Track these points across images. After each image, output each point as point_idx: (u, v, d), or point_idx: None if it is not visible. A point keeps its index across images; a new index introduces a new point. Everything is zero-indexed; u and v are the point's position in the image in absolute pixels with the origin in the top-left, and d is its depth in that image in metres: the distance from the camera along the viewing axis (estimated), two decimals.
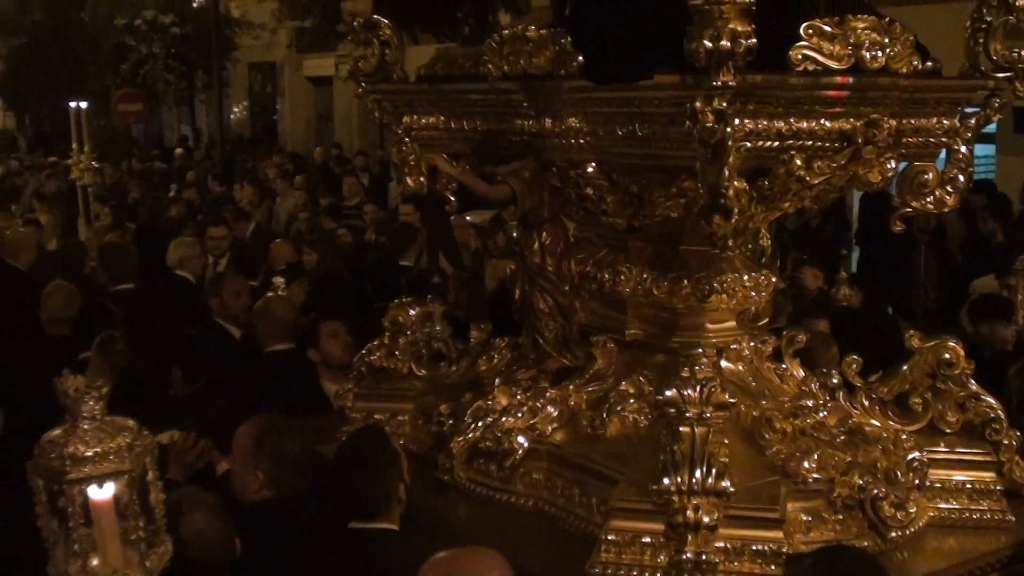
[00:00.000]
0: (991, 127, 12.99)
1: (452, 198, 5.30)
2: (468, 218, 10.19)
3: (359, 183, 17.23)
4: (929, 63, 4.38)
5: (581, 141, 4.51)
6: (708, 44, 3.62)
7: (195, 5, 31.99)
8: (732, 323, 4.80)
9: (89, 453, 2.86)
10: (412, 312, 5.57)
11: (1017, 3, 4.44)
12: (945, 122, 4.50)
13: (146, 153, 29.06)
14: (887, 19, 4.28)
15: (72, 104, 17.08)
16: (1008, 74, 4.48)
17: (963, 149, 4.58)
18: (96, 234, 14.65)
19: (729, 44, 3.61)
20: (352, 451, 4.45)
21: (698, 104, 3.74)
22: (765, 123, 3.99)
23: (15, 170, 27.00)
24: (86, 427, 2.91)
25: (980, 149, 17.17)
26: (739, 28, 3.63)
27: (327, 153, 25.17)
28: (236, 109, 38.85)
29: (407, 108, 5.23)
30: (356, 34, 5.20)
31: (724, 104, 3.72)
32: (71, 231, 16.60)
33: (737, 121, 3.85)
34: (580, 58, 4.33)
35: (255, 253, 11.14)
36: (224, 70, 30.01)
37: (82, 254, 12.42)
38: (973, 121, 4.56)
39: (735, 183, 3.88)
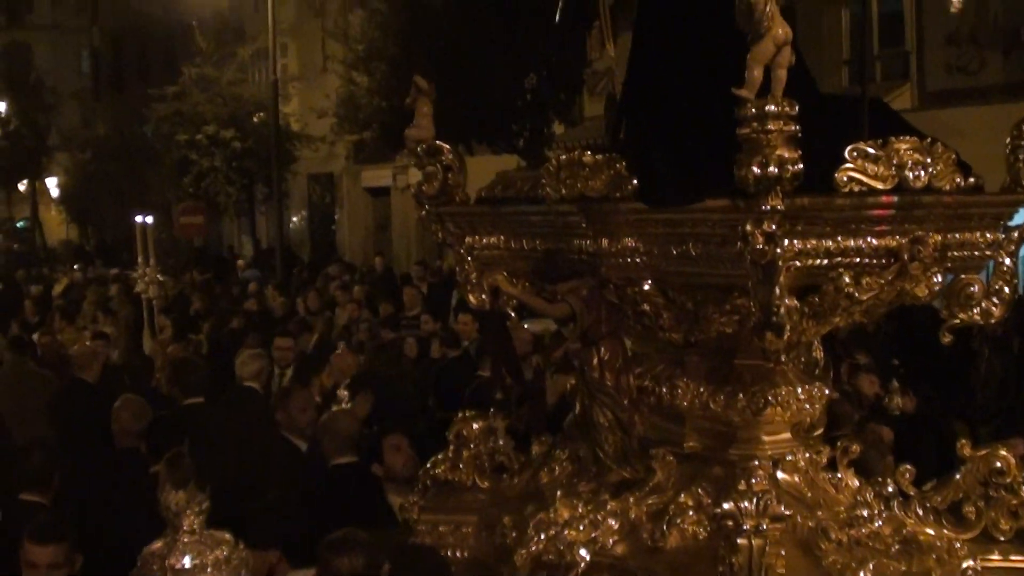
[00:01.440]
0: None
1: (513, 314, 5.47)
2: (526, 325, 10.35)
3: (418, 293, 17.48)
4: (971, 179, 4.53)
5: (637, 260, 4.67)
6: (757, 170, 3.80)
7: (255, 120, 32.65)
8: (787, 435, 4.90)
9: (189, 565, 3.01)
10: (475, 426, 5.71)
11: None
12: (989, 236, 4.62)
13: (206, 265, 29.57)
14: (929, 139, 4.44)
15: (138, 218, 17.47)
16: None
17: (1007, 261, 4.68)
18: (160, 346, 14.95)
19: (777, 170, 3.79)
20: (404, 566, 4.57)
21: (749, 227, 3.91)
22: (814, 242, 4.15)
23: (80, 281, 27.53)
24: (186, 540, 3.07)
25: None
26: (786, 154, 3.81)
27: (386, 263, 25.51)
28: (295, 219, 39.45)
29: (469, 228, 5.42)
30: (420, 159, 5.42)
31: (773, 226, 3.89)
32: (136, 343, 16.91)
33: (787, 242, 4.01)
34: (635, 182, 4.52)
35: (319, 364, 11.35)
36: (284, 181, 30.57)
37: (149, 367, 12.69)
38: (1016, 234, 4.68)
39: (786, 301, 4.03)
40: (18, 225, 57.69)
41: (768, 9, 3.76)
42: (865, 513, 4.69)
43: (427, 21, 21.06)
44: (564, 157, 4.87)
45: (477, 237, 5.41)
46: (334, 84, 27.34)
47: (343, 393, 8.45)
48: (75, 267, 34.28)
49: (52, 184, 52.30)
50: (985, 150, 4.75)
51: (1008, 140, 4.65)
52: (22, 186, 54.29)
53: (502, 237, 5.32)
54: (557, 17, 5.70)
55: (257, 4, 34.81)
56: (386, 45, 22.24)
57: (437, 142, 5.39)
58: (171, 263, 28.49)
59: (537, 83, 21.06)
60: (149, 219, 17.40)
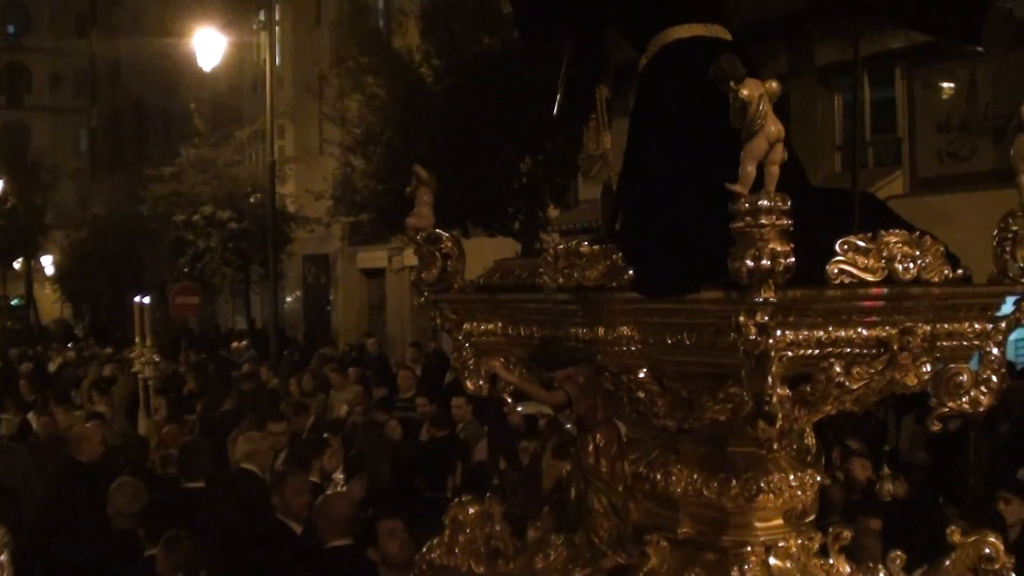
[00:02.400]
0: None
1: (510, 400, 5.55)
2: (519, 408, 10.43)
3: (413, 375, 17.55)
4: (960, 271, 4.64)
5: (633, 348, 4.75)
6: (750, 263, 3.90)
7: (252, 200, 32.87)
8: (780, 521, 4.96)
9: None
10: (471, 510, 5.77)
11: None
12: (977, 326, 4.70)
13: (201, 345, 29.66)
14: (918, 232, 4.55)
15: (136, 299, 17.59)
16: None
17: (995, 351, 4.76)
18: (155, 426, 15.00)
19: (769, 263, 3.89)
20: None
21: (742, 318, 4.00)
22: (805, 333, 4.24)
23: (73, 361, 27.59)
24: None
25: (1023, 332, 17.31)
26: (778, 248, 3.91)
27: (379, 344, 25.60)
28: (289, 299, 39.59)
29: (467, 315, 5.52)
30: (420, 247, 5.52)
31: (766, 318, 3.98)
32: (132, 423, 16.94)
33: (779, 333, 4.09)
34: (631, 272, 4.62)
35: (317, 447, 11.41)
36: (279, 262, 30.72)
37: (144, 448, 12.72)
38: (1004, 324, 4.77)
39: (778, 390, 4.11)
40: (12, 303, 57.84)
41: (761, 108, 3.89)
42: None
43: (424, 106, 21.30)
44: (562, 247, 4.98)
45: (475, 324, 5.50)
46: (331, 166, 27.58)
47: (338, 476, 8.50)
48: (68, 346, 34.33)
49: (47, 262, 52.53)
50: (977, 236, 4.86)
51: (995, 232, 4.75)
52: (17, 264, 54.50)
53: (500, 324, 5.41)
54: (555, 110, 5.82)
55: (255, 87, 35.20)
56: (383, 129, 22.47)
57: (437, 230, 5.50)
58: (166, 343, 28.54)
59: (533, 167, 21.26)
60: (147, 299, 17.51)
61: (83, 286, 47.43)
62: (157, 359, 17.38)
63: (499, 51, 21.03)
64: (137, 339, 16.96)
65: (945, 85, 19.30)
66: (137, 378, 16.78)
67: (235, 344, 28.57)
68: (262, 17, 38.40)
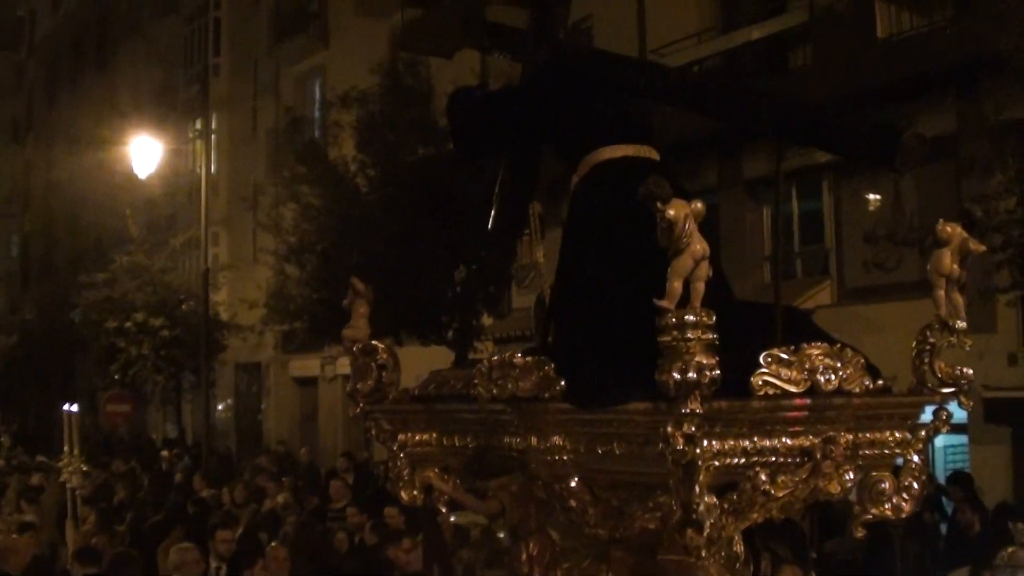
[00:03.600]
0: (963, 417, 13.43)
1: (444, 510, 5.63)
2: (452, 519, 10.46)
3: (345, 485, 17.49)
4: (880, 381, 4.81)
5: (565, 458, 4.86)
6: (677, 376, 4.05)
7: (185, 308, 32.76)
8: None
9: None
10: None
11: (957, 326, 4.87)
12: (898, 435, 4.87)
13: (130, 454, 29.30)
14: (839, 345, 4.72)
15: (66, 407, 17.42)
16: (952, 389, 4.89)
17: (916, 459, 4.93)
18: (83, 537, 14.79)
19: (696, 376, 4.05)
20: None
21: (670, 429, 4.14)
22: (732, 443, 4.38)
23: (2, 469, 27.17)
24: None
25: (954, 439, 17.64)
26: (704, 361, 4.07)
27: (311, 453, 25.47)
28: (221, 407, 39.28)
29: (402, 425, 5.61)
30: (356, 358, 5.62)
31: (693, 428, 4.13)
32: (60, 533, 16.70)
33: (706, 443, 4.23)
34: (563, 383, 4.75)
35: (248, 558, 11.34)
36: (211, 370, 30.54)
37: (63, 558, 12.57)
38: (924, 433, 4.93)
39: (706, 499, 4.25)
40: None
41: (687, 227, 4.06)
42: None
43: (359, 216, 21.45)
44: (496, 359, 5.11)
45: (410, 434, 5.60)
46: (264, 274, 27.57)
47: None
48: None
49: None
50: (905, 344, 5.03)
51: (914, 344, 4.93)
52: None
53: (435, 434, 5.51)
54: (490, 225, 5.98)
55: (191, 194, 35.25)
56: (318, 238, 22.57)
57: (373, 342, 5.61)
58: (96, 452, 28.21)
59: (467, 276, 21.41)
60: (75, 407, 17.35)
61: (11, 393, 46.86)
62: (86, 468, 17.18)
63: (434, 161, 21.28)
64: (66, 448, 16.77)
65: (871, 197, 19.73)
66: (65, 487, 16.56)
67: (166, 453, 28.29)
68: (198, 126, 38.63)
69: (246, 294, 29.31)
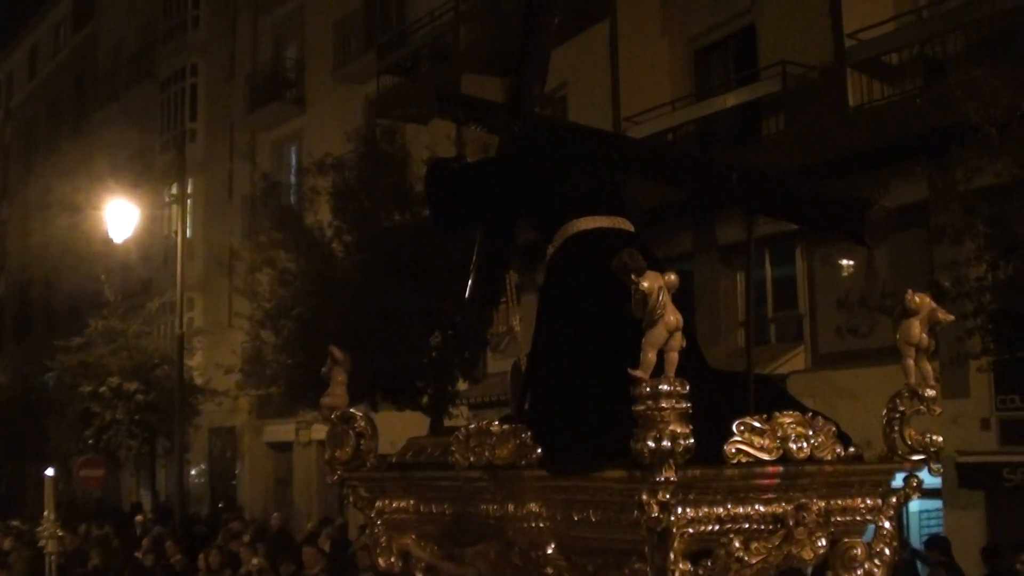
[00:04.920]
0: (937, 482, 13.50)
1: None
2: None
3: (319, 551, 17.43)
4: (851, 449, 4.89)
5: (541, 524, 4.90)
6: (651, 444, 4.12)
7: (159, 372, 32.66)
8: None
9: None
10: None
11: (926, 394, 4.96)
12: (869, 501, 4.94)
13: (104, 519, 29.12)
14: (810, 413, 4.81)
15: (48, 471, 17.36)
16: (922, 457, 4.97)
17: (887, 525, 5.00)
18: None
19: (670, 444, 4.11)
20: None
21: (644, 496, 4.20)
22: (705, 510, 4.43)
23: None
24: None
25: (928, 504, 17.72)
26: (678, 430, 4.14)
27: (284, 519, 25.35)
28: (194, 472, 39.09)
29: (379, 493, 5.67)
30: (334, 426, 5.68)
31: (668, 496, 4.19)
32: None
33: (680, 510, 4.29)
34: (539, 451, 4.82)
35: None
36: (185, 435, 30.40)
37: None
38: (895, 499, 5.01)
39: (680, 565, 4.30)
40: None
41: (661, 299, 4.15)
42: None
43: (335, 281, 21.50)
44: (473, 427, 5.18)
45: (387, 501, 5.65)
46: (239, 339, 27.54)
47: None
48: None
49: None
50: (877, 409, 5.11)
51: (884, 412, 5.01)
52: None
53: (412, 501, 5.56)
54: (467, 295, 6.07)
55: (166, 258, 35.25)
56: (294, 303, 22.58)
57: (351, 410, 5.67)
58: (68, 517, 28.01)
59: (442, 341, 21.44)
60: (50, 471, 17.29)
61: None
62: (61, 533, 17.11)
63: (410, 227, 21.39)
64: (46, 512, 16.71)
65: (844, 263, 19.88)
66: (37, 551, 16.49)
67: (139, 517, 28.10)
68: (174, 190, 38.69)
69: (221, 359, 29.26)
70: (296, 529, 26.51)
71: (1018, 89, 12.14)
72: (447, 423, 21.15)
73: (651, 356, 4.18)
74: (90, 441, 32.19)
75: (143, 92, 44.03)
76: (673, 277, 4.23)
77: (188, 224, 36.03)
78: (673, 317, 4.18)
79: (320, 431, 29.92)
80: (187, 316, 32.31)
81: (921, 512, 18.30)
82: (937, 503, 17.68)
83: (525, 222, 5.86)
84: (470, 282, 6.05)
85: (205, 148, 40.53)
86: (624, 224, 5.48)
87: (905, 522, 17.53)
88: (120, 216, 29.20)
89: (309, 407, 23.03)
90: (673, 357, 4.19)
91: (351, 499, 5.78)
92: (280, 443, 35.06)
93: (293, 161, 35.80)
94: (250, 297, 24.27)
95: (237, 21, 39.66)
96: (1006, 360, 13.92)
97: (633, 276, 4.17)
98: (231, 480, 38.65)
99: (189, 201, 38.42)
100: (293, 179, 33.95)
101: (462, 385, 22.68)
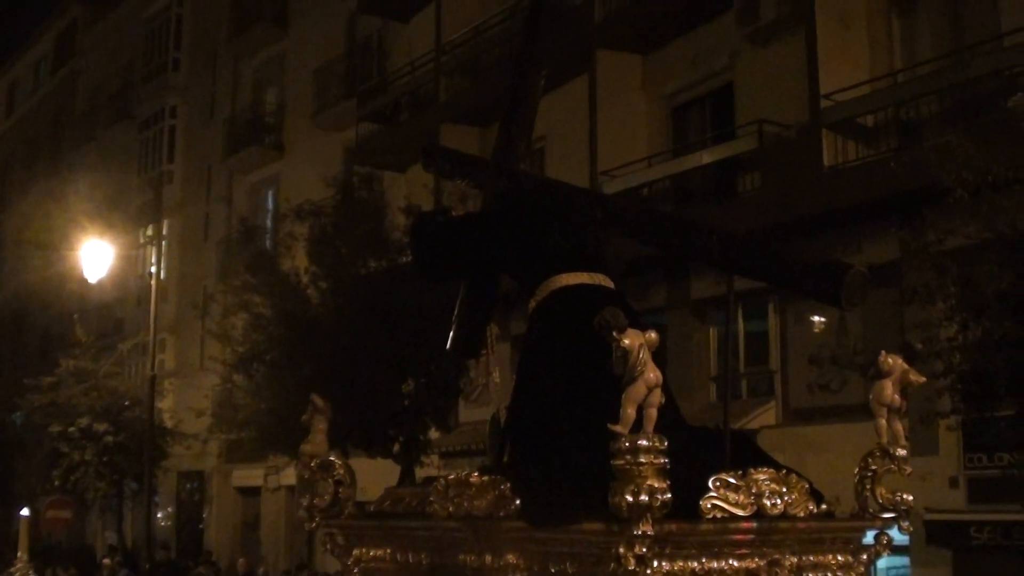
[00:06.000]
0: (905, 539, 13.58)
1: None
2: None
3: None
4: (823, 506, 4.99)
5: (518, 575, 4.99)
6: (629, 498, 4.21)
7: (129, 414, 32.50)
8: None
9: None
10: None
11: (897, 453, 5.05)
12: (840, 557, 5.04)
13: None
14: (784, 471, 4.90)
15: (23, 512, 17.26)
16: (893, 515, 5.06)
17: None
18: None
19: (647, 499, 4.21)
20: None
21: (621, 549, 4.29)
22: (681, 564, 4.52)
23: None
24: None
25: (896, 560, 17.77)
26: (656, 484, 4.23)
27: (250, 564, 25.22)
28: (162, 515, 38.83)
29: (357, 541, 5.73)
30: (313, 474, 5.74)
31: (644, 549, 4.28)
32: None
33: (656, 563, 4.38)
34: (518, 502, 4.89)
35: None
36: (154, 478, 30.24)
37: None
38: (865, 556, 5.11)
39: None
40: None
41: (641, 356, 4.24)
42: None
43: (309, 327, 21.50)
44: (452, 477, 5.25)
45: (365, 549, 5.71)
46: (211, 382, 27.42)
47: None
48: None
49: None
50: (846, 465, 5.21)
51: (856, 471, 5.11)
52: None
53: (389, 550, 5.62)
54: (448, 346, 6.15)
55: (139, 300, 35.17)
56: (267, 348, 22.54)
57: (330, 458, 5.74)
58: (34, 558, 27.77)
59: (415, 389, 21.43)
60: (25, 511, 17.18)
61: None
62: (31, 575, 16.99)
63: (385, 274, 21.42)
64: (20, 553, 16.61)
65: (816, 319, 19.99)
66: None
67: (106, 560, 27.91)
68: (150, 231, 38.67)
69: (192, 402, 29.13)
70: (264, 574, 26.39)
71: (990, 154, 12.30)
72: (418, 472, 21.12)
73: (631, 412, 4.27)
74: (56, 482, 31.97)
75: (121, 132, 44.07)
76: (653, 335, 4.33)
77: (163, 266, 35.99)
78: (653, 374, 4.27)
79: (289, 476, 29.83)
80: (159, 358, 32.19)
81: (889, 569, 18.33)
82: (904, 559, 17.74)
83: (508, 276, 5.95)
84: (452, 333, 6.14)
85: (182, 190, 40.55)
86: (605, 281, 5.58)
87: None
88: (95, 256, 29.16)
89: (279, 452, 22.97)
90: (652, 413, 4.29)
91: (328, 546, 5.84)
92: (249, 488, 34.89)
93: (270, 205, 35.83)
94: (223, 340, 24.18)
95: (217, 64, 39.80)
96: (975, 419, 14.01)
97: (615, 333, 4.26)
98: (199, 524, 38.40)
99: (164, 243, 38.44)
100: (270, 223, 33.97)
101: (434, 433, 22.64)
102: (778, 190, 19.67)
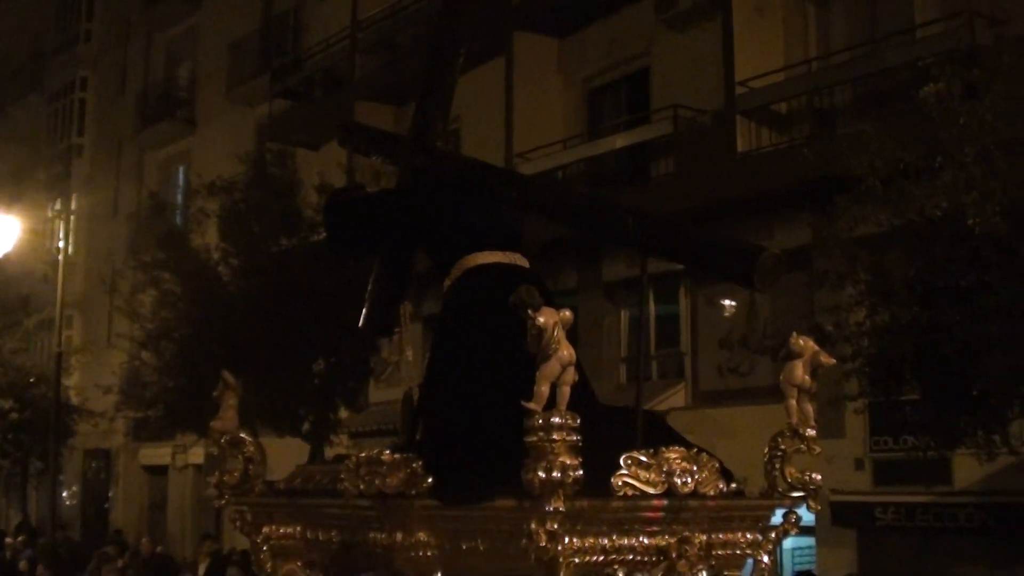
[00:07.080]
0: (811, 520, 13.77)
1: None
2: None
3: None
4: (733, 485, 5.03)
5: (429, 553, 4.95)
6: (542, 475, 4.21)
7: (34, 391, 32.03)
8: None
9: None
10: None
11: (807, 434, 5.11)
12: (749, 536, 5.09)
13: None
14: (695, 449, 4.94)
15: None
16: (801, 494, 5.12)
17: (766, 559, 5.14)
18: None
19: (560, 475, 4.20)
20: None
21: (533, 526, 4.29)
22: (591, 540, 4.54)
23: None
24: None
25: (802, 541, 18.03)
26: (568, 461, 4.23)
27: (154, 543, 24.95)
28: (67, 494, 38.34)
29: (267, 518, 5.67)
30: (223, 450, 5.68)
31: (556, 526, 4.28)
32: None
33: (567, 540, 4.38)
34: (430, 480, 4.88)
35: None
36: (59, 456, 29.84)
37: None
38: (774, 534, 5.16)
39: None
40: None
41: (556, 334, 4.24)
42: None
43: (220, 305, 21.31)
44: (363, 455, 5.21)
45: (274, 527, 5.65)
46: (118, 359, 27.10)
47: None
48: None
49: None
50: (756, 447, 5.25)
51: (766, 450, 5.15)
52: None
53: (299, 528, 5.57)
54: (361, 324, 6.11)
55: (47, 275, 34.61)
56: (176, 325, 22.32)
57: (241, 434, 5.68)
58: None
59: (325, 369, 21.35)
60: None
61: None
62: None
63: (297, 253, 21.29)
64: None
65: (726, 303, 20.20)
66: None
67: (10, 540, 27.47)
68: (58, 205, 38.10)
69: (99, 379, 28.73)
70: (172, 553, 26.14)
71: (901, 143, 12.47)
72: (328, 451, 21.05)
73: (544, 389, 4.27)
74: None
75: (30, 104, 43.30)
76: (568, 314, 4.33)
77: (71, 241, 35.48)
78: (567, 352, 4.28)
79: (197, 455, 29.59)
80: (66, 334, 31.78)
81: (795, 549, 18.60)
82: (810, 540, 18.01)
83: (423, 253, 5.93)
84: (364, 311, 6.10)
85: (91, 164, 39.92)
86: (520, 260, 5.58)
87: (779, 558, 17.79)
88: (1, 230, 28.63)
89: (187, 431, 22.76)
90: (565, 391, 4.29)
91: (237, 524, 5.78)
92: (155, 466, 34.56)
93: (181, 181, 35.44)
94: (132, 317, 23.91)
95: (130, 37, 39.20)
96: (881, 403, 14.23)
97: (530, 311, 4.26)
98: (104, 503, 37.97)
99: (72, 217, 37.86)
100: (180, 199, 33.59)
101: (344, 413, 22.58)
102: (692, 175, 19.83)
